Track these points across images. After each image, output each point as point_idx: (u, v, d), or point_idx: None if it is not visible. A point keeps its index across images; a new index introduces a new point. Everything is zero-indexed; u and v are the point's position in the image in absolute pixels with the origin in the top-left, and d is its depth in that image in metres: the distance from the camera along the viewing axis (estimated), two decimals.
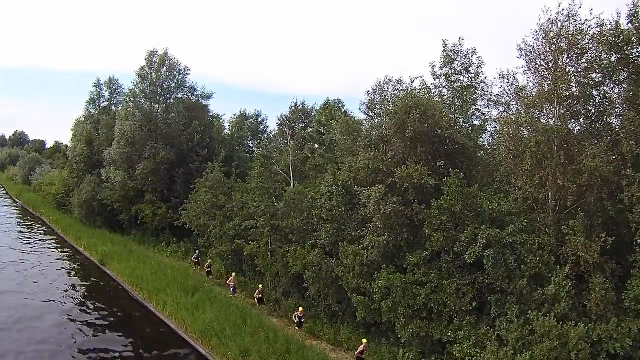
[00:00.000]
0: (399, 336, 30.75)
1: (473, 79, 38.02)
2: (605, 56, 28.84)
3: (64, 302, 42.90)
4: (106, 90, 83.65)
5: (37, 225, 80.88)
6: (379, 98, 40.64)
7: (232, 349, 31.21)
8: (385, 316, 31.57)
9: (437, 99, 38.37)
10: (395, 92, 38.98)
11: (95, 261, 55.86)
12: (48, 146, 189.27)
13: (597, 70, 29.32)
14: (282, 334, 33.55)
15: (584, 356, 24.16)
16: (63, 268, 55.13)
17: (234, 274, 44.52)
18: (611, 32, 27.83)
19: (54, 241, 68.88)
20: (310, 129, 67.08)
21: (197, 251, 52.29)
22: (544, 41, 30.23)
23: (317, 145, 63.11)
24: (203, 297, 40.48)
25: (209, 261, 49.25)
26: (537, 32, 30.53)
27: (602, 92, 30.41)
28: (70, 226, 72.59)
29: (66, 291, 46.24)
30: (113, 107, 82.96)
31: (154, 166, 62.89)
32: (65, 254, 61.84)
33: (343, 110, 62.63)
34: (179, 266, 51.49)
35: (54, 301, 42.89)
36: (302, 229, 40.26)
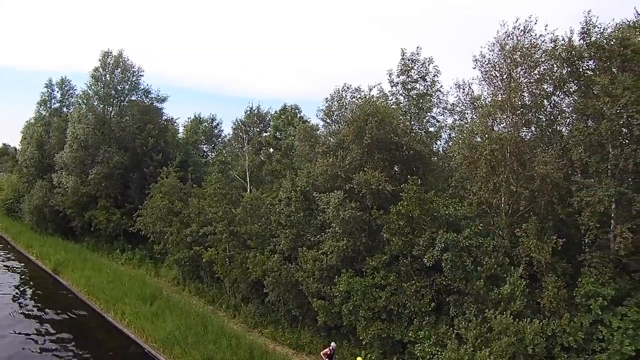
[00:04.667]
0: (361, 338, 31.44)
1: (429, 87, 39.13)
2: (557, 69, 30.47)
3: (15, 315, 41.72)
4: (58, 91, 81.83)
5: None
6: (336, 105, 41.30)
7: (195, 357, 31.29)
8: (346, 319, 32.22)
9: (394, 106, 39.29)
10: (353, 99, 39.74)
11: (48, 270, 54.62)
12: None
13: (549, 82, 31.01)
14: (244, 340, 33.78)
15: (540, 350, 25.61)
16: (13, 278, 53.66)
17: None
18: (564, 47, 29.38)
19: (3, 249, 67.06)
20: (266, 134, 67.24)
21: (332, 343, 31.12)
22: (499, 53, 31.58)
23: (272, 150, 63.27)
24: (162, 305, 40.23)
25: None
26: (493, 44, 31.89)
27: (553, 102, 32.32)
28: (21, 233, 70.99)
29: (17, 302, 45.06)
30: (65, 109, 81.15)
31: (107, 171, 61.76)
32: (16, 262, 60.28)
33: (299, 115, 63.05)
34: (135, 274, 50.83)
35: (3, 313, 41.66)
36: (261, 235, 40.34)
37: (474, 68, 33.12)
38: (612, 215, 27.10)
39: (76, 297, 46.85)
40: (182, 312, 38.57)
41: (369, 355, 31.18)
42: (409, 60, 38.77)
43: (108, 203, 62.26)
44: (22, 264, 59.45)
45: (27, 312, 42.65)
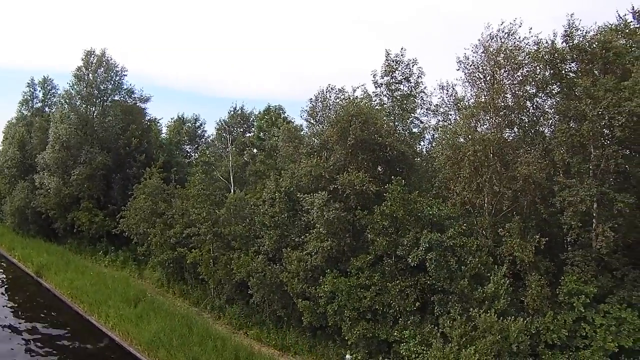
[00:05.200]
0: (346, 338, 31.58)
1: (413, 88, 39.41)
2: (540, 71, 30.91)
3: None
4: (40, 91, 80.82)
5: None
6: (320, 105, 41.41)
7: (180, 359, 31.20)
8: (331, 319, 32.36)
9: (378, 107, 39.50)
10: (338, 100, 39.88)
11: (30, 273, 54.03)
12: None
13: (532, 84, 31.46)
14: (229, 342, 33.74)
15: (524, 348, 26.11)
16: None
17: None
18: (547, 50, 29.84)
19: None
20: (250, 134, 67.09)
21: (347, 355, 30.97)
22: (483, 55, 31.94)
23: (255, 150, 63.13)
24: (146, 307, 40.05)
25: None
26: (477, 46, 32.28)
27: (535, 104, 32.87)
28: (2, 235, 70.28)
29: (1, 306, 44.43)
30: (47, 109, 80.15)
31: (89, 171, 61.02)
32: None
33: (283, 116, 63.03)
34: (118, 276, 50.55)
35: None
36: (245, 236, 40.31)
37: (458, 70, 33.54)
38: (594, 215, 27.59)
39: (60, 300, 46.34)
40: (166, 314, 38.44)
41: (354, 355, 31.30)
42: (393, 61, 39.07)
43: (91, 204, 61.51)
44: (5, 267, 58.81)
45: (9, 316, 42.18)
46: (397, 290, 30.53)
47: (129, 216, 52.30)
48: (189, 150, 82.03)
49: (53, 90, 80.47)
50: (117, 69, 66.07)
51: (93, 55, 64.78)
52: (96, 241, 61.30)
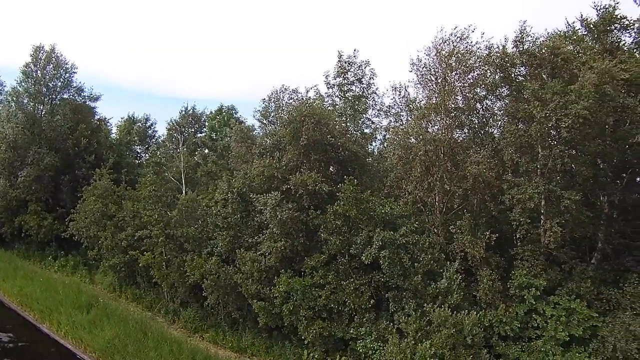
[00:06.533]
0: (302, 337, 31.81)
1: (365, 90, 39.82)
2: (490, 74, 31.82)
3: None
4: None
5: None
6: (273, 106, 41.43)
7: None
8: (287, 319, 32.53)
9: (330, 108, 39.77)
10: (291, 100, 39.98)
11: None
12: None
13: (482, 86, 32.30)
14: (186, 346, 33.48)
15: (479, 340, 26.99)
16: None
17: None
18: (498, 54, 30.79)
19: None
20: (201, 135, 66.55)
21: None
22: (435, 58, 32.66)
23: (207, 151, 62.68)
24: (99, 313, 39.29)
25: None
26: (429, 49, 32.95)
27: (485, 106, 33.92)
28: None
29: None
30: None
31: (37, 173, 58.77)
32: None
33: (236, 116, 62.74)
34: (69, 281, 49.20)
35: None
36: (198, 237, 40.05)
37: (411, 71, 34.22)
38: (542, 212, 28.68)
39: (9, 308, 44.82)
40: (120, 320, 37.74)
41: (311, 354, 31.52)
42: (345, 62, 39.40)
43: (39, 207, 59.30)
44: None
45: None
46: (352, 288, 30.94)
47: (79, 219, 50.88)
48: (139, 151, 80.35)
49: None
50: (67, 66, 63.79)
51: (42, 51, 62.36)
52: (45, 246, 59.28)
